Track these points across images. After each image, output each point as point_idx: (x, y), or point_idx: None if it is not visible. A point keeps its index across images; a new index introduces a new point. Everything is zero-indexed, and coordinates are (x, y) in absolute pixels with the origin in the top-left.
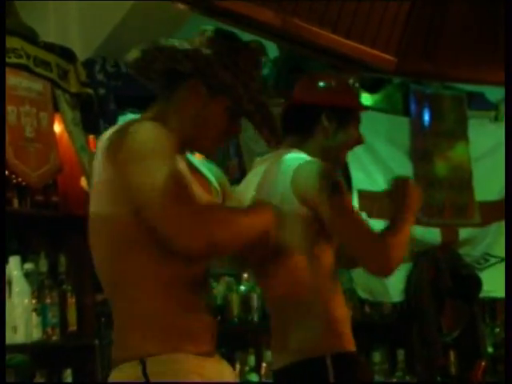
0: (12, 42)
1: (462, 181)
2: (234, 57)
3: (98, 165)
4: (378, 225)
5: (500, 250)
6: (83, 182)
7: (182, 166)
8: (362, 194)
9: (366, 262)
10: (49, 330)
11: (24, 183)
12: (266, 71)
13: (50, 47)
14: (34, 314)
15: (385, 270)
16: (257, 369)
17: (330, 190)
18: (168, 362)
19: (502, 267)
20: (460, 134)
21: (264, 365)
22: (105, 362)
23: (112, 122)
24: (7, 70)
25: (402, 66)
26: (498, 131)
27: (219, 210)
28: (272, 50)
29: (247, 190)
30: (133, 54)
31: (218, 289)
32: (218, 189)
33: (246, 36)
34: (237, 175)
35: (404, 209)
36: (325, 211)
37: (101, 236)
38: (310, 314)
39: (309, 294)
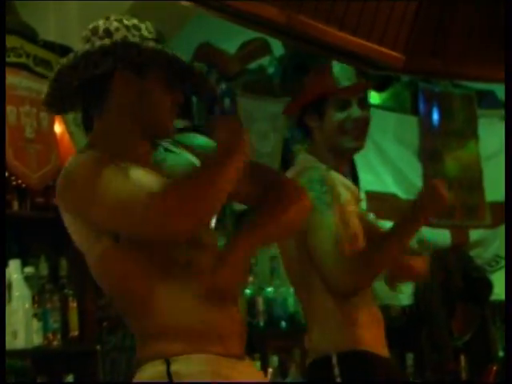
0: (11, 41)
1: (473, 181)
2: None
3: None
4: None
5: None
6: None
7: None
8: (371, 195)
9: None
10: (50, 335)
11: (24, 185)
12: (271, 69)
13: (49, 46)
14: (34, 318)
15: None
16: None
17: None
18: (193, 363)
19: None
20: (470, 133)
21: (270, 370)
22: (107, 367)
23: None
24: (6, 69)
25: (410, 63)
26: None
27: (183, 182)
28: (277, 47)
29: None
30: (61, 65)
31: None
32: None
33: (252, 34)
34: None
35: (421, 209)
36: None
37: (104, 268)
38: (322, 315)
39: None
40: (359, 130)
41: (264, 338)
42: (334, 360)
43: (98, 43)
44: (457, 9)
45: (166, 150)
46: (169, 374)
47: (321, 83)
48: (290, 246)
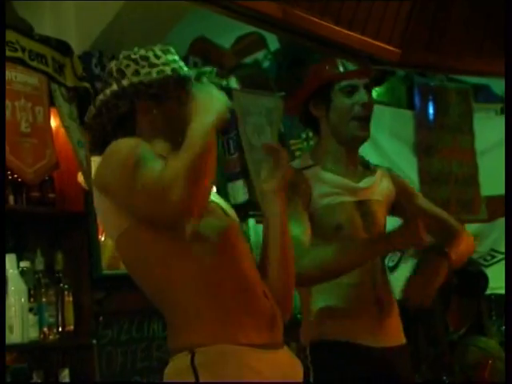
0: (7, 35)
1: (468, 175)
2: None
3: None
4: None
5: None
6: (80, 177)
7: None
8: None
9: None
10: (45, 329)
11: (19, 179)
12: (266, 64)
13: (45, 40)
14: (30, 313)
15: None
16: None
17: None
18: (217, 354)
19: None
20: (465, 127)
21: None
22: (102, 361)
23: None
24: None
25: (406, 57)
26: None
27: (177, 161)
28: (273, 42)
29: None
30: (89, 113)
31: None
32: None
33: (247, 28)
34: (237, 170)
35: (397, 236)
36: None
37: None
38: (303, 305)
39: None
40: (366, 117)
41: None
42: (307, 351)
43: (114, 86)
44: (452, 3)
45: None
46: (193, 365)
47: (326, 70)
48: None
